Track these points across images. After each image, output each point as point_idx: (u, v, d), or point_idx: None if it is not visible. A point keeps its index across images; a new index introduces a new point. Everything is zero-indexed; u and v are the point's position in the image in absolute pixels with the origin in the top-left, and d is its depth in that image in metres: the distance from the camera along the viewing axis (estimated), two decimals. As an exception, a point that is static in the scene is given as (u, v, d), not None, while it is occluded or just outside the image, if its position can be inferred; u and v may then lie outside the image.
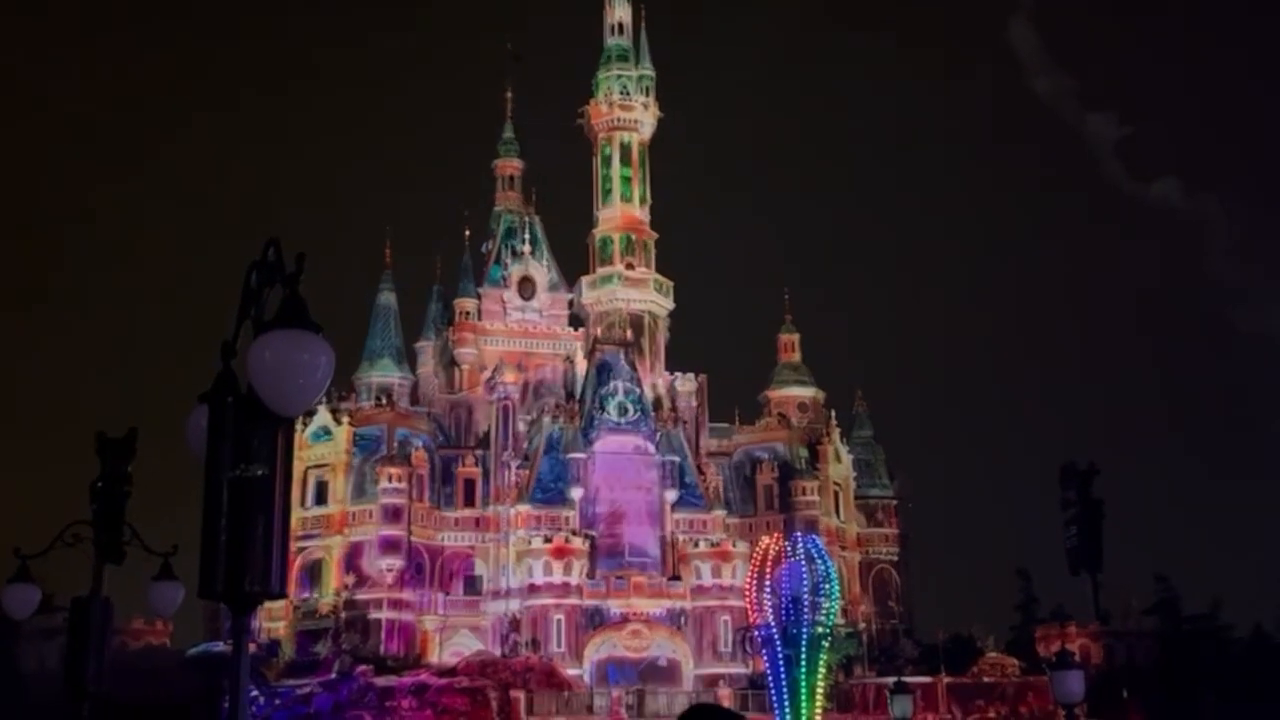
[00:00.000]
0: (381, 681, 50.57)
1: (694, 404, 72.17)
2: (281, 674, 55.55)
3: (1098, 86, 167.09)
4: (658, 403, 69.00)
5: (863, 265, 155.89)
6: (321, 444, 66.24)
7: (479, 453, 69.15)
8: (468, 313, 76.53)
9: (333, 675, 52.14)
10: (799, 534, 45.75)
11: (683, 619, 61.59)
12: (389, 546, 63.83)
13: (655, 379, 71.74)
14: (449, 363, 76.97)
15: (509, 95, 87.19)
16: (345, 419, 66.51)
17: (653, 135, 77.66)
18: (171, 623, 58.19)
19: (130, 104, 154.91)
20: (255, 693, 48.39)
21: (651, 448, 66.61)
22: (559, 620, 60.02)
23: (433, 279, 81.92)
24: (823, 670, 40.71)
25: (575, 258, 78.69)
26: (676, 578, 62.81)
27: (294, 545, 62.56)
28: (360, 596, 63.35)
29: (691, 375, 73.69)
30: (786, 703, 39.45)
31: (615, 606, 61.04)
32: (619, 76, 76.89)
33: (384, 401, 70.49)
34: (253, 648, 55.22)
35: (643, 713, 52.32)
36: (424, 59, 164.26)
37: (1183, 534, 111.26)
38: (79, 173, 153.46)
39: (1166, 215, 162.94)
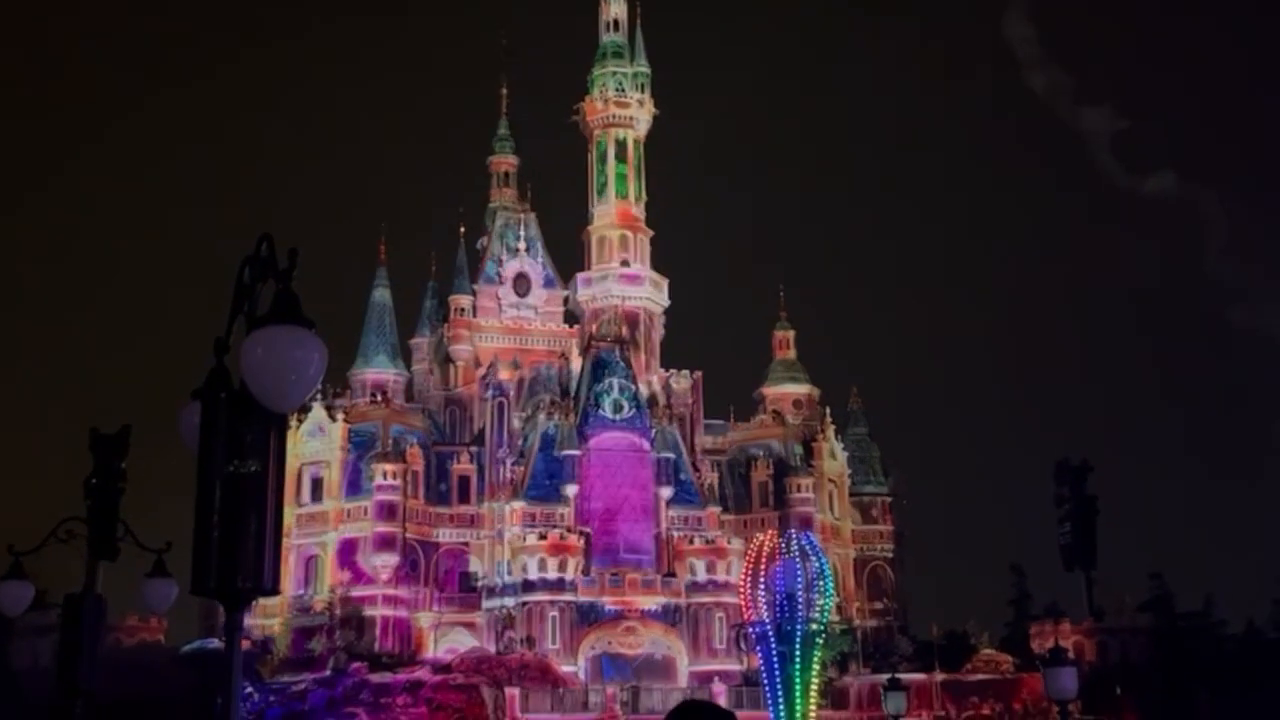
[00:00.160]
0: (376, 678, 50.59)
1: (689, 401, 72.23)
2: (276, 670, 55.56)
3: (1093, 82, 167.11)
4: (653, 399, 69.00)
5: (858, 262, 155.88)
6: (316, 440, 66.24)
7: (474, 449, 69.17)
8: (463, 309, 76.49)
9: (327, 672, 52.16)
10: (794, 531, 45.77)
11: (677, 616, 61.63)
12: (384, 543, 63.83)
13: (650, 376, 71.75)
14: (444, 359, 76.94)
15: (504, 91, 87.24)
16: (340, 416, 66.55)
17: (648, 132, 77.65)
18: (166, 619, 58.24)
19: (126, 100, 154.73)
20: (250, 689, 48.38)
21: (647, 444, 66.62)
22: (554, 617, 60.02)
23: (428, 275, 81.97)
24: (817, 667, 40.70)
25: (570, 254, 78.74)
26: (671, 574, 62.86)
27: (289, 542, 62.63)
28: (355, 593, 63.37)
29: (687, 372, 73.76)
30: (781, 699, 39.45)
31: (610, 603, 61.07)
32: (614, 73, 76.85)
33: (379, 398, 70.50)
34: (247, 644, 55.30)
35: (637, 709, 52.35)
36: (419, 54, 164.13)
37: (1176, 530, 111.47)
38: (73, 167, 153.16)
39: (1163, 211, 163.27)
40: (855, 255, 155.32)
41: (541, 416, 67.35)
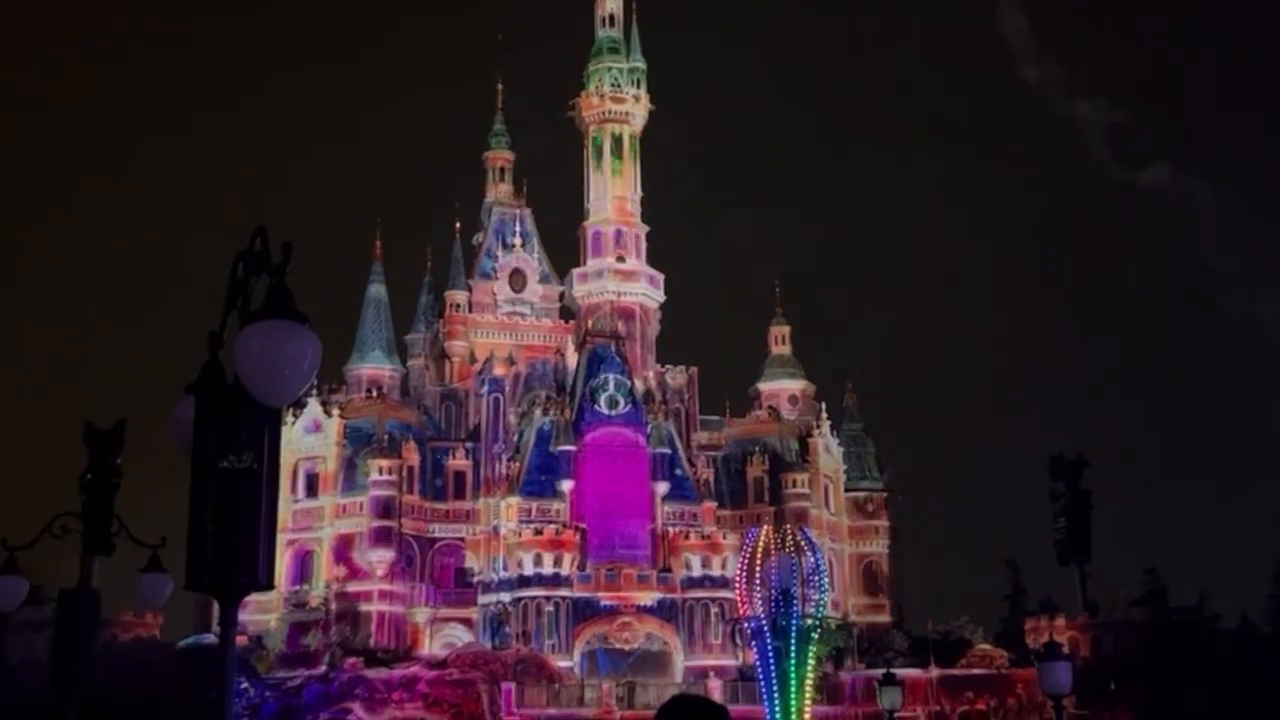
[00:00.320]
0: (372, 674, 50.55)
1: (685, 396, 72.23)
2: (272, 666, 55.53)
3: (1088, 73, 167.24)
4: (649, 395, 69.00)
5: (854, 258, 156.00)
6: (312, 436, 66.21)
7: (470, 445, 69.15)
8: (458, 305, 76.46)
9: (323, 667, 52.14)
10: (789, 526, 45.84)
11: (673, 611, 61.65)
12: (379, 539, 63.82)
13: (646, 371, 71.78)
14: (440, 355, 76.94)
15: (500, 87, 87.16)
16: (336, 411, 66.51)
17: (644, 127, 77.63)
18: (161, 615, 58.17)
19: (122, 96, 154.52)
20: (245, 684, 48.35)
21: (642, 440, 66.62)
22: (549, 612, 60.03)
23: (423, 271, 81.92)
24: (812, 662, 40.78)
25: (566, 250, 78.75)
26: (667, 570, 62.88)
27: (285, 537, 62.57)
28: (351, 589, 63.35)
29: (682, 367, 73.77)
30: (776, 694, 39.52)
31: (606, 599, 61.10)
32: (610, 69, 76.83)
33: (374, 394, 70.48)
34: (243, 640, 55.29)
35: (633, 705, 52.40)
36: (415, 51, 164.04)
37: (1171, 525, 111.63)
38: (69, 163, 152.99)
39: (1157, 203, 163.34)
40: (851, 251, 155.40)
41: (537, 412, 67.35)
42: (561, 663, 57.49)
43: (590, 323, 71.73)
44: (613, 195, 75.55)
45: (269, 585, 5.53)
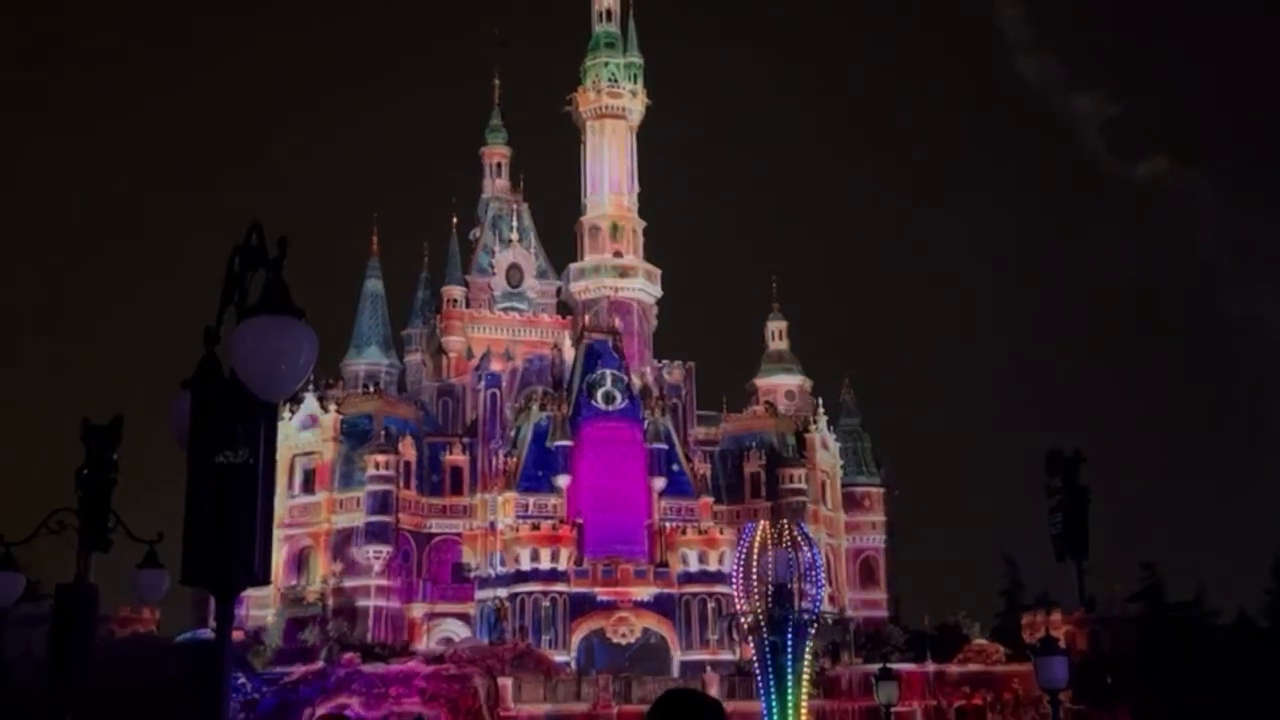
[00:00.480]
0: (369, 669, 50.50)
1: (682, 391, 72.25)
2: (269, 661, 55.50)
3: (1085, 66, 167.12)
4: (645, 390, 69.00)
5: (850, 253, 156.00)
6: (308, 431, 66.18)
7: (466, 440, 69.15)
8: (455, 300, 76.44)
9: (320, 663, 52.09)
10: (786, 521, 45.78)
11: (670, 606, 61.66)
12: (376, 534, 63.82)
13: (643, 367, 71.79)
14: (436, 350, 76.94)
15: (496, 82, 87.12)
16: (332, 406, 66.46)
17: (641, 122, 77.59)
18: (158, 610, 58.11)
19: (118, 92, 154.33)
20: (242, 680, 48.35)
21: (639, 435, 66.62)
22: (546, 607, 60.06)
23: (420, 266, 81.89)
24: (809, 657, 40.74)
25: (563, 245, 78.78)
26: (664, 565, 62.90)
27: (281, 533, 62.56)
28: (348, 584, 63.37)
29: (679, 363, 73.79)
30: (773, 689, 39.51)
31: (602, 594, 61.11)
32: (607, 64, 76.79)
33: (371, 389, 70.45)
34: (240, 635, 55.29)
35: (630, 699, 52.39)
36: (412, 46, 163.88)
37: (1168, 520, 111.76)
38: (66, 159, 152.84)
39: (1155, 199, 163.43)
40: (848, 246, 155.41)
41: (534, 407, 67.35)
42: (558, 657, 57.51)
43: (587, 318, 71.74)
44: (610, 190, 75.53)
45: (265, 580, 5.53)
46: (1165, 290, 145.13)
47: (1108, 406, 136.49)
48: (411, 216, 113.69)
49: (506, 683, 50.61)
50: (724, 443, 73.01)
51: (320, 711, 49.03)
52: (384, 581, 63.92)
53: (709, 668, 56.77)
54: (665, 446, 66.99)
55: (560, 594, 60.39)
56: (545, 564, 60.69)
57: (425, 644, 61.87)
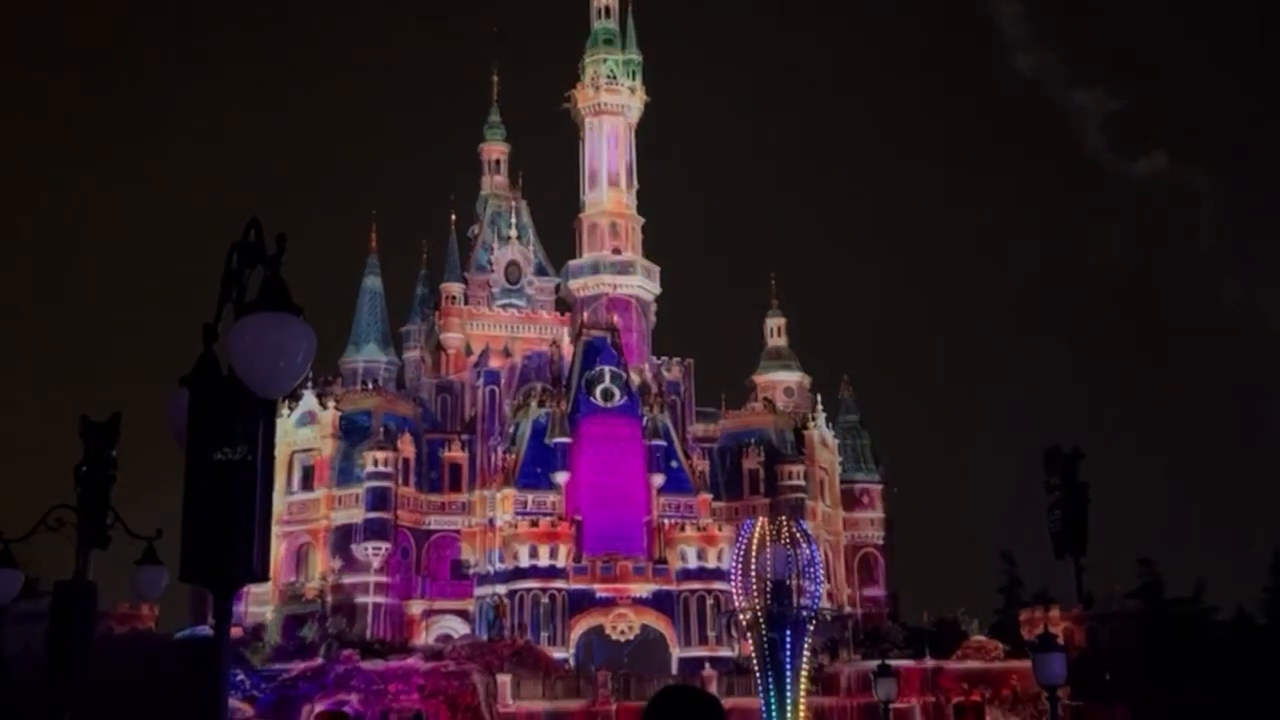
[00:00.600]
0: (368, 665, 50.53)
1: (681, 388, 72.25)
2: (268, 658, 55.50)
3: (1083, 62, 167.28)
4: (644, 387, 69.01)
5: (850, 250, 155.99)
6: (307, 428, 66.18)
7: (465, 437, 69.15)
8: (454, 297, 76.43)
9: (319, 659, 52.10)
10: (784, 518, 45.78)
11: (669, 602, 61.67)
12: (375, 530, 63.83)
13: (642, 363, 71.78)
14: (435, 347, 76.92)
15: (495, 78, 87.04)
16: (331, 403, 66.45)
17: (640, 119, 77.52)
18: (157, 607, 58.11)
19: (117, 89, 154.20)
20: (241, 676, 48.37)
21: (638, 432, 66.62)
22: (545, 604, 60.07)
23: (419, 263, 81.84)
24: (807, 653, 40.76)
25: (562, 242, 78.74)
26: (663, 561, 62.90)
27: (280, 529, 62.56)
28: (347, 580, 63.39)
29: (678, 359, 73.79)
30: (772, 686, 39.53)
31: (601, 590, 61.10)
32: (605, 60, 76.70)
33: (370, 386, 70.43)
34: (239, 631, 55.30)
35: (628, 696, 52.40)
36: (410, 42, 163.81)
37: (1167, 517, 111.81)
38: (64, 155, 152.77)
39: (1155, 193, 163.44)
40: (847, 243, 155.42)
41: (533, 404, 67.35)
42: (557, 654, 57.53)
43: (586, 315, 71.72)
44: (608, 187, 75.49)
45: (264, 577, 5.54)
46: (1165, 286, 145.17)
47: (1106, 403, 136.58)
48: (410, 213, 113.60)
49: (505, 679, 50.63)
50: (723, 439, 73.03)
51: (319, 708, 49.09)
52: (383, 578, 63.95)
53: (708, 664, 56.79)
54: (664, 443, 66.99)
55: (559, 591, 60.39)
56: (544, 561, 60.70)
57: (424, 641, 61.89)
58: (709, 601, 61.14)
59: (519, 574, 60.59)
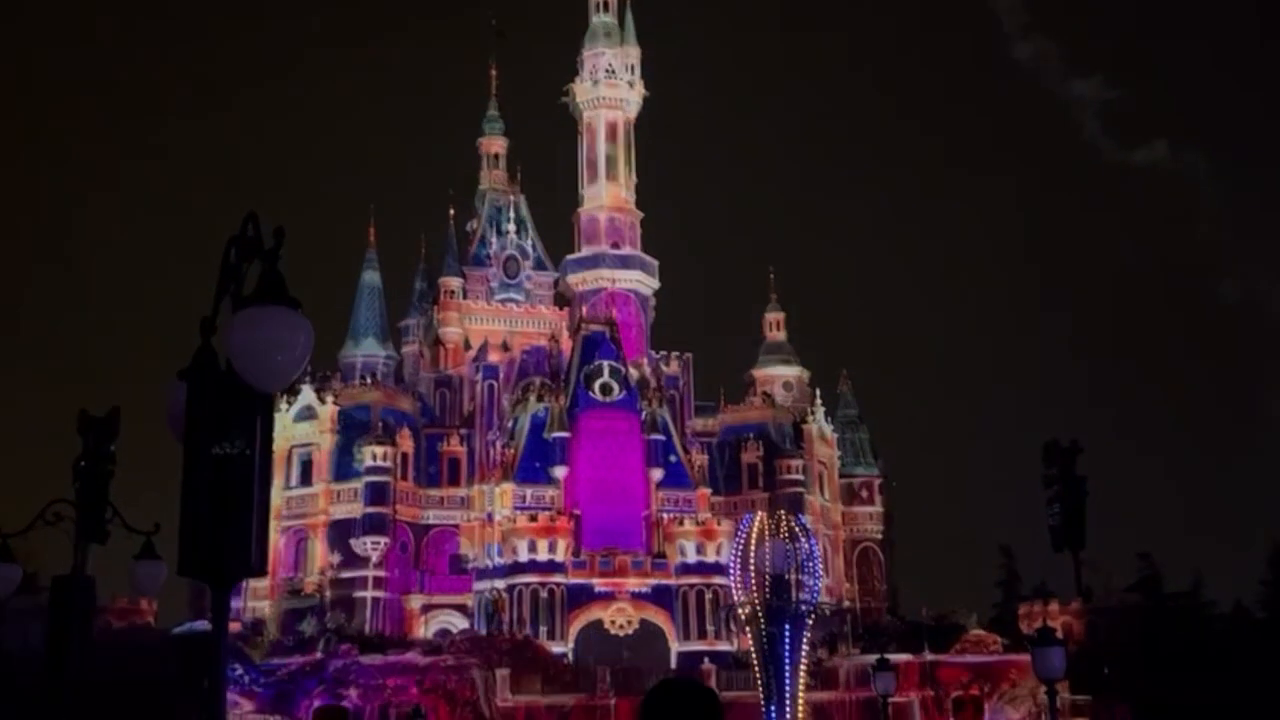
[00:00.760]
0: (367, 660, 50.56)
1: (679, 383, 72.24)
2: (267, 653, 55.54)
3: (1081, 51, 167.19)
4: (643, 382, 68.98)
5: (849, 244, 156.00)
6: (305, 423, 66.19)
7: (464, 431, 69.16)
8: (452, 292, 76.37)
9: (318, 654, 52.14)
10: (783, 512, 45.80)
11: (668, 597, 61.68)
12: (374, 525, 63.85)
13: (640, 358, 71.73)
14: (434, 341, 76.86)
15: (494, 72, 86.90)
16: (329, 398, 66.45)
17: (638, 114, 77.42)
18: (155, 601, 58.13)
19: (115, 83, 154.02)
20: (240, 670, 48.39)
21: (637, 426, 66.61)
22: (544, 598, 60.07)
23: (417, 257, 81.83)
24: (806, 648, 40.80)
25: (561, 236, 78.68)
26: (661, 556, 62.90)
27: (279, 524, 62.59)
28: (345, 575, 63.41)
29: (677, 354, 73.78)
30: (771, 680, 39.54)
31: (600, 585, 61.10)
32: (604, 55, 76.58)
33: (368, 380, 70.39)
34: (237, 626, 55.33)
35: (627, 691, 52.42)
36: (408, 35, 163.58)
37: (1166, 511, 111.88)
38: (63, 149, 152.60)
39: (1154, 183, 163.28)
40: (846, 237, 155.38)
41: (532, 399, 67.34)
42: (556, 649, 57.56)
43: (585, 309, 71.68)
44: (607, 182, 75.42)
45: (262, 572, 5.53)
46: (1163, 277, 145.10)
47: (1105, 395, 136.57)
48: (409, 207, 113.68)
49: (504, 674, 50.65)
50: (722, 434, 73.04)
51: (318, 703, 49.11)
52: (381, 573, 63.96)
53: (706, 659, 56.85)
54: (663, 437, 67.00)
55: (558, 585, 60.39)
56: (543, 555, 60.70)
57: (423, 635, 61.93)
58: (708, 596, 61.16)
59: (518, 568, 60.59)
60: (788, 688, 38.76)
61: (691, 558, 62.24)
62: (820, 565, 42.45)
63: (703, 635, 60.89)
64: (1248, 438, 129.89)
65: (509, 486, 65.08)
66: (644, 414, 66.95)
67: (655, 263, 75.72)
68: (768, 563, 38.73)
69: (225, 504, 5.33)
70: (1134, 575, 66.27)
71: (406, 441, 66.26)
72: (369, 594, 63.23)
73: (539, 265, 79.08)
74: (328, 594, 62.09)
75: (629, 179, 76.40)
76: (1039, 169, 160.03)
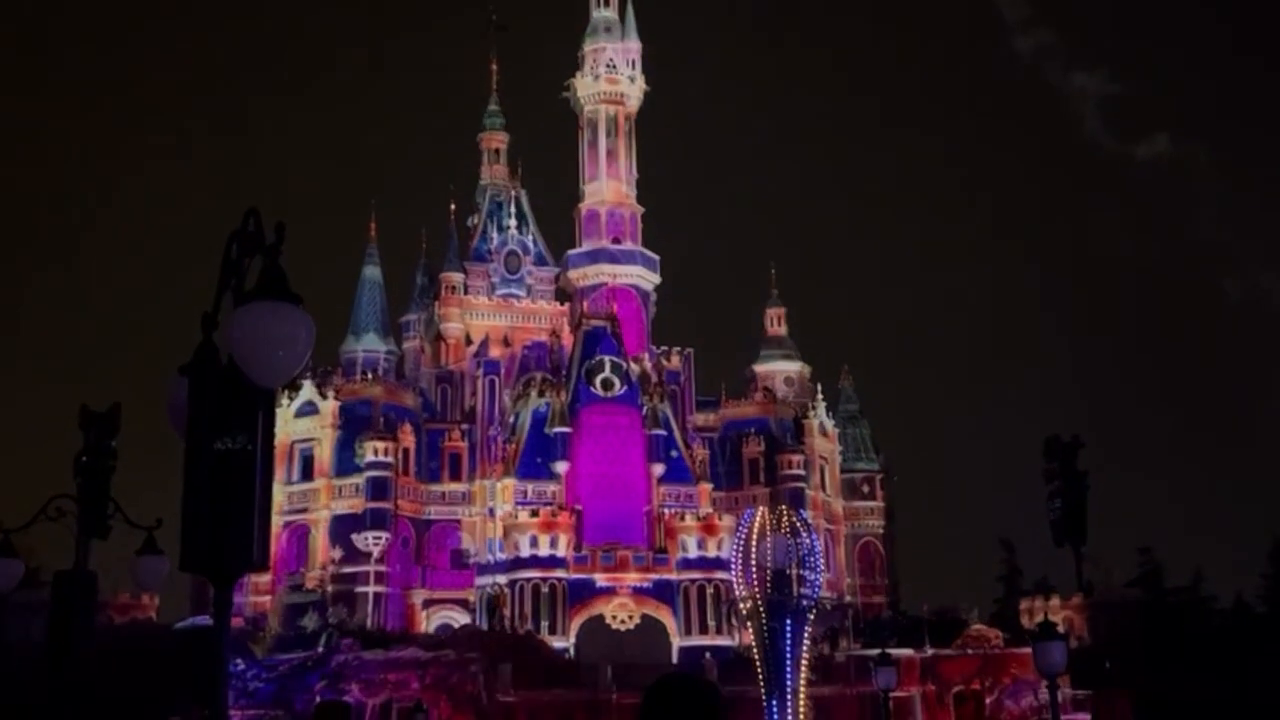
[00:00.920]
0: (368, 655, 50.59)
1: (681, 378, 72.24)
2: (269, 648, 55.58)
3: (1083, 45, 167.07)
4: (644, 377, 68.98)
5: (850, 239, 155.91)
6: (307, 418, 66.20)
7: (465, 427, 69.17)
8: (454, 287, 76.35)
9: (320, 649, 52.17)
10: (784, 507, 45.84)
11: (669, 592, 61.71)
12: (375, 520, 63.88)
13: (642, 353, 71.72)
14: (435, 337, 76.85)
15: (494, 67, 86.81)
16: (331, 393, 66.46)
17: (639, 108, 77.36)
18: (157, 597, 58.19)
19: (118, 77, 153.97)
20: (241, 665, 48.44)
21: (638, 422, 66.63)
22: (545, 594, 60.09)
23: (418, 252, 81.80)
24: (808, 643, 40.83)
25: (562, 231, 78.65)
26: (663, 551, 62.93)
27: (280, 519, 62.60)
28: (347, 570, 63.42)
29: (678, 349, 73.78)
30: (772, 675, 39.58)
31: (601, 580, 61.15)
32: (605, 50, 76.51)
33: (370, 375, 70.40)
34: (239, 621, 55.33)
35: (628, 686, 52.43)
36: (409, 30, 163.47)
37: (1166, 505, 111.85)
38: (65, 144, 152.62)
39: (1156, 178, 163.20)
40: (847, 232, 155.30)
41: (533, 394, 67.34)
42: (557, 644, 57.60)
43: (586, 304, 71.66)
44: (608, 177, 75.37)
45: (263, 567, 5.54)
46: (1165, 271, 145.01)
47: (1107, 390, 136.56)
48: (409, 202, 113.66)
49: (505, 669, 50.66)
50: (723, 429, 73.04)
51: (319, 698, 49.15)
52: (383, 568, 64.00)
53: (708, 654, 56.87)
54: (664, 433, 67.01)
55: (559, 580, 60.42)
56: (544, 550, 60.71)
57: (424, 630, 61.96)
58: (709, 591, 61.17)
59: (519, 564, 60.62)
60: (789, 682, 38.81)
61: (693, 553, 62.24)
62: (821, 560, 42.50)
63: (704, 630, 60.91)
64: (1249, 432, 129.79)
65: (510, 482, 65.11)
66: (645, 409, 66.96)
67: (656, 258, 75.70)
68: (769, 558, 38.76)
69: (227, 499, 5.34)
70: (1135, 570, 66.29)
71: (408, 437, 66.30)
72: (370, 589, 63.27)
73: (540, 260, 79.04)
74: (329, 589, 62.10)
75: (630, 174, 76.35)
76: (1041, 163, 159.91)
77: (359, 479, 64.41)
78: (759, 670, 40.46)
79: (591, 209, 75.11)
